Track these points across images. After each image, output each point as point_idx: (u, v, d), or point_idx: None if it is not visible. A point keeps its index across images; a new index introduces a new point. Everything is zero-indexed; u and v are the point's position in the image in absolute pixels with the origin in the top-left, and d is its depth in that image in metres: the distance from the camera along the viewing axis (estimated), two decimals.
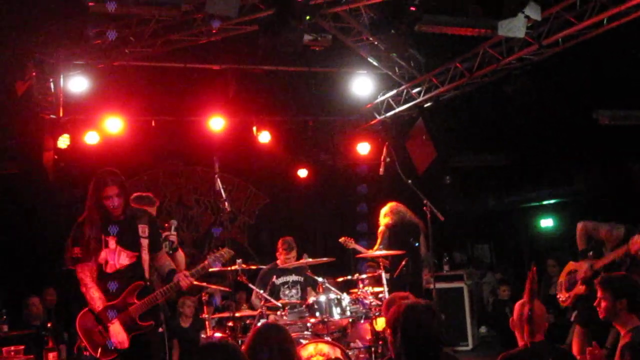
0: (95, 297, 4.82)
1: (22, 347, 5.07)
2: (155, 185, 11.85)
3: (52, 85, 7.98)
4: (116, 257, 4.91)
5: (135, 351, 4.84)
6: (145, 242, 5.02)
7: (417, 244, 8.27)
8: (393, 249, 7.70)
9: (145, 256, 5.01)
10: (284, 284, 7.64)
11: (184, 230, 11.84)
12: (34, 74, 7.60)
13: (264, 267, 7.73)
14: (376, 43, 8.68)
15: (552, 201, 12.67)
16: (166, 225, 5.94)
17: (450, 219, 7.71)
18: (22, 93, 7.13)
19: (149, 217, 5.18)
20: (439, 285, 8.65)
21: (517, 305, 4.11)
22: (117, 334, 4.76)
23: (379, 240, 8.21)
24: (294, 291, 7.63)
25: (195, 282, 7.58)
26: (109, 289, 4.86)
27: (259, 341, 3.59)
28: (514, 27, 6.49)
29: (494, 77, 8.54)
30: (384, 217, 8.28)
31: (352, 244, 8.27)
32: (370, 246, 8.37)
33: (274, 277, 7.38)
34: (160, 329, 5.09)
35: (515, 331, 4.11)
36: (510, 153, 11.57)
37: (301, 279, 7.65)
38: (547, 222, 12.88)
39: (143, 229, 5.03)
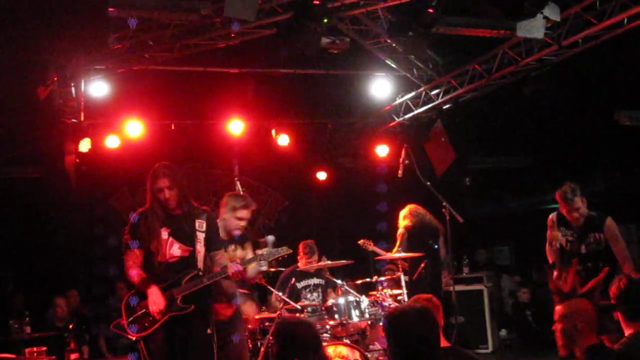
0: (134, 273, 4.89)
1: (44, 348, 5.13)
2: None
3: (73, 90, 8.07)
4: (167, 248, 4.95)
5: (170, 340, 4.81)
6: (201, 236, 5.02)
7: (436, 246, 8.24)
8: (412, 251, 7.68)
9: (201, 248, 5.00)
10: (305, 287, 7.64)
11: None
12: (55, 79, 7.69)
13: (283, 269, 7.75)
14: (394, 45, 8.68)
15: None
16: (261, 240, 5.89)
17: (469, 221, 7.69)
18: (44, 98, 7.23)
19: (208, 215, 5.16)
20: (459, 287, 8.65)
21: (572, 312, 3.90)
22: (154, 295, 4.76)
23: (398, 243, 8.20)
24: (315, 294, 7.63)
25: None
26: (157, 275, 4.91)
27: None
28: (533, 28, 6.47)
29: (513, 78, 8.50)
30: (403, 219, 8.27)
31: (371, 247, 8.26)
32: (389, 248, 8.36)
33: (294, 279, 7.39)
34: (209, 330, 4.92)
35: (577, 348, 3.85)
36: (529, 154, 11.52)
37: (322, 281, 7.66)
38: None
39: (200, 224, 5.03)
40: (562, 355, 3.85)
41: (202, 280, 4.88)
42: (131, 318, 4.83)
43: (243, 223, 5.72)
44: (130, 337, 4.83)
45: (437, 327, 3.35)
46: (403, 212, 8.32)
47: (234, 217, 5.71)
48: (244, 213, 5.73)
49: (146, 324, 4.79)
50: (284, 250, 5.33)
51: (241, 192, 6.32)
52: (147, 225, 4.98)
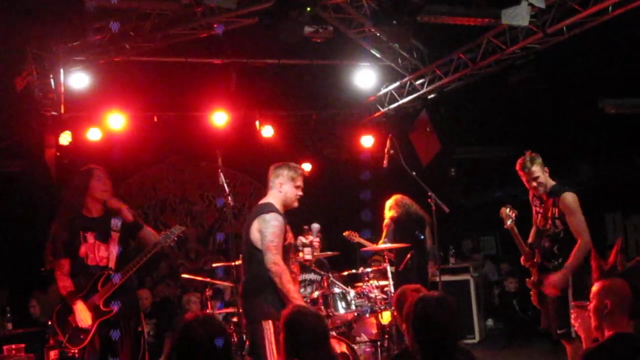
0: (62, 285, 5.12)
1: (23, 345, 5.06)
2: (159, 181, 11.84)
3: (52, 81, 7.93)
4: (96, 251, 5.19)
5: (104, 343, 5.06)
6: (115, 235, 5.25)
7: (422, 237, 8.19)
8: (398, 242, 7.63)
9: (113, 248, 5.22)
10: (302, 281, 7.56)
11: (188, 226, 11.81)
12: (34, 71, 7.55)
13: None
14: (378, 34, 8.61)
15: None
16: (305, 227, 5.75)
17: (455, 211, 7.64)
18: (21, 89, 7.08)
19: (135, 225, 5.39)
20: (445, 278, 8.63)
21: (606, 289, 3.69)
22: (79, 312, 5.00)
23: (384, 234, 8.15)
24: (309, 289, 7.53)
25: (200, 278, 7.65)
26: (86, 279, 5.14)
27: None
28: (518, 15, 6.40)
29: (498, 67, 8.45)
30: (389, 210, 8.21)
31: (357, 238, 8.20)
32: (374, 238, 8.31)
33: None
34: (139, 328, 5.27)
35: (604, 324, 3.65)
36: (515, 144, 11.47)
37: (318, 278, 7.50)
38: None
39: (116, 223, 5.26)
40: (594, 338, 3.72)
41: (113, 283, 5.11)
42: (67, 335, 5.06)
43: (300, 192, 5.42)
44: (70, 351, 5.07)
45: (455, 315, 3.39)
46: (389, 203, 8.26)
47: (293, 187, 5.36)
48: (301, 180, 5.44)
49: (81, 336, 5.05)
50: (178, 229, 5.51)
51: (225, 186, 6.19)
52: (73, 232, 5.18)
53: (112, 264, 5.21)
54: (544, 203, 5.87)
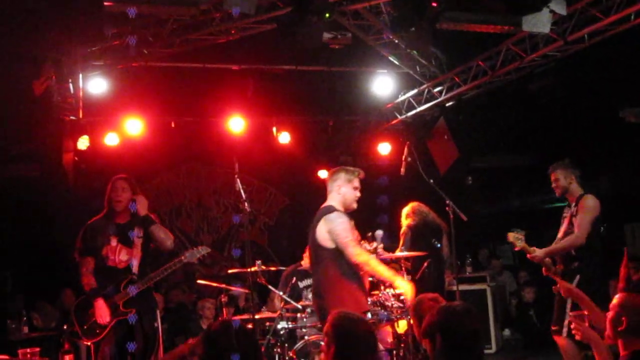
0: (86, 282, 5.50)
1: (38, 349, 5.09)
2: (175, 186, 11.85)
3: (71, 86, 7.96)
4: (117, 255, 5.58)
5: (121, 336, 5.39)
6: (138, 242, 5.61)
7: (439, 245, 8.12)
8: (415, 250, 7.56)
9: (137, 254, 5.59)
10: (307, 287, 7.54)
11: (204, 232, 11.81)
12: (53, 75, 7.58)
13: (284, 268, 7.65)
14: (397, 41, 8.57)
15: None
16: (369, 234, 5.85)
17: (473, 219, 7.55)
18: (40, 94, 7.11)
19: (148, 221, 5.68)
20: (462, 287, 8.52)
21: (624, 304, 3.52)
22: (100, 308, 5.36)
23: (401, 242, 8.08)
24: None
25: (215, 284, 7.62)
26: (107, 280, 5.50)
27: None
28: (539, 23, 6.31)
29: (518, 75, 8.38)
30: (406, 218, 8.15)
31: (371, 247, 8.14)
32: (391, 248, 8.24)
33: (294, 279, 7.31)
34: (155, 324, 5.58)
35: (619, 340, 3.51)
36: (534, 153, 11.38)
37: None
38: None
39: (139, 231, 5.61)
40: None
41: (130, 291, 5.44)
42: (85, 327, 5.44)
43: (358, 193, 5.62)
44: (85, 343, 5.49)
45: (480, 323, 3.36)
46: (406, 210, 8.20)
47: (351, 188, 5.58)
48: (358, 182, 5.64)
49: (97, 331, 5.39)
50: (204, 249, 5.87)
51: (242, 191, 6.17)
52: (99, 233, 5.59)
53: (135, 269, 5.58)
54: (571, 208, 6.08)
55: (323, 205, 5.58)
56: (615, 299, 3.64)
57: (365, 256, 5.23)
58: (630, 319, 3.43)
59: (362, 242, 5.75)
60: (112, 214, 5.68)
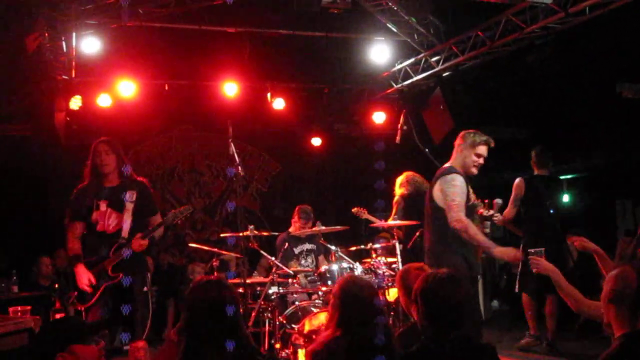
0: (70, 247, 5.55)
1: (29, 307, 5.09)
2: (167, 150, 11.78)
3: (64, 44, 7.83)
4: (107, 219, 5.54)
5: (113, 300, 5.42)
6: (130, 206, 5.55)
7: None
8: (408, 219, 7.56)
9: (127, 218, 5.53)
10: (300, 252, 7.60)
11: (195, 197, 11.77)
12: (45, 33, 7.46)
13: (276, 234, 7.67)
14: (395, 8, 8.45)
15: (569, 176, 12.47)
16: (486, 201, 5.84)
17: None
18: (32, 51, 6.99)
19: (141, 186, 5.70)
20: None
21: (617, 274, 3.27)
22: (79, 274, 5.39)
23: (393, 211, 8.07)
24: (309, 260, 7.59)
25: (207, 248, 7.62)
26: (97, 245, 5.50)
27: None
28: None
29: (517, 46, 8.29)
30: (400, 187, 8.13)
31: (365, 214, 8.16)
32: (387, 210, 8.24)
33: (287, 244, 7.34)
34: (145, 288, 5.59)
35: (610, 310, 3.26)
36: (530, 125, 11.34)
37: (314, 247, 7.60)
38: (564, 198, 12.69)
39: (131, 194, 5.56)
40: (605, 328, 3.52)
41: (121, 253, 5.39)
42: (76, 293, 5.46)
43: (481, 161, 5.64)
44: (78, 308, 5.51)
45: (466, 292, 3.42)
46: (399, 180, 8.18)
47: (473, 154, 5.61)
48: (483, 149, 5.64)
49: (88, 297, 5.42)
50: (187, 210, 5.76)
51: (235, 156, 6.12)
52: (88, 198, 5.55)
53: (125, 234, 5.52)
54: None
55: (445, 165, 5.68)
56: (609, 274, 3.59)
57: (462, 224, 5.21)
58: (616, 288, 3.24)
59: (480, 208, 5.75)
60: (101, 178, 5.62)
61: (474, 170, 5.63)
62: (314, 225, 7.49)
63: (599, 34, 7.85)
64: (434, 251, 5.52)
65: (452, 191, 5.33)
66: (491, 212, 5.77)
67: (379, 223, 7.75)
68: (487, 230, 5.69)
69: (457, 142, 5.72)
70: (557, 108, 9.88)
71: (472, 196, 5.60)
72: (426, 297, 3.41)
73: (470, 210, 5.46)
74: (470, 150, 5.59)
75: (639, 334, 3.14)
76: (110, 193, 5.58)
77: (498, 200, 5.90)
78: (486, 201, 5.80)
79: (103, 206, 5.55)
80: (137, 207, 5.60)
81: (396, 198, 8.12)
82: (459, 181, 5.39)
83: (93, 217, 5.54)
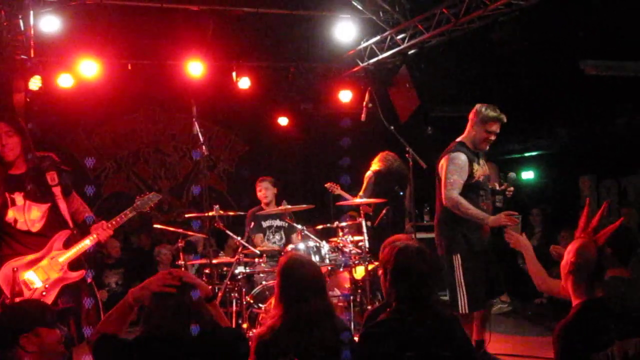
0: None
1: None
2: (132, 131, 11.62)
3: (21, 23, 7.63)
4: (26, 213, 4.59)
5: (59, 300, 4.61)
6: (57, 190, 4.69)
7: (402, 193, 8.16)
8: (377, 196, 7.58)
9: (63, 204, 4.71)
10: (269, 227, 7.61)
11: (161, 178, 11.65)
12: (1, 11, 7.27)
13: (242, 213, 7.65)
14: None
15: (533, 153, 12.61)
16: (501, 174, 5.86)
17: (430, 169, 7.57)
18: None
19: (52, 161, 4.78)
20: (420, 235, 8.61)
21: (578, 246, 3.44)
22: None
23: (364, 186, 8.13)
24: (277, 236, 7.59)
25: (172, 229, 7.55)
26: (25, 244, 4.60)
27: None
28: None
29: (481, 23, 8.29)
30: (375, 163, 8.21)
31: (338, 190, 8.19)
32: (353, 187, 8.27)
33: (254, 220, 7.39)
34: (89, 280, 4.76)
35: (568, 280, 3.45)
36: (494, 103, 11.41)
37: (285, 224, 7.60)
38: (528, 175, 12.84)
39: (52, 177, 4.68)
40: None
41: (85, 245, 4.65)
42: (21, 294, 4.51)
43: (492, 137, 5.62)
44: None
45: (434, 267, 3.45)
46: (376, 158, 8.25)
47: (483, 130, 5.60)
48: (495, 126, 5.60)
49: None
50: (156, 197, 5.11)
51: (199, 135, 6.05)
52: None
53: (71, 224, 4.75)
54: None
55: (458, 139, 5.74)
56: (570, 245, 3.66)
57: (452, 201, 5.38)
58: (576, 260, 3.42)
59: (496, 182, 5.87)
60: (5, 166, 4.57)
61: (485, 146, 5.70)
62: (278, 201, 7.50)
63: (562, 11, 7.89)
64: (438, 223, 5.80)
65: (451, 169, 5.45)
66: (505, 185, 5.85)
67: (349, 199, 7.76)
68: (499, 205, 5.81)
69: (470, 116, 5.75)
70: (521, 85, 9.95)
71: (481, 171, 5.65)
72: (395, 269, 3.44)
73: (474, 186, 5.54)
74: (481, 126, 5.62)
75: (594, 302, 3.34)
76: (25, 179, 4.60)
77: (511, 174, 5.98)
78: (501, 174, 5.90)
79: (19, 199, 4.57)
80: (64, 188, 4.75)
81: (368, 173, 8.17)
82: (460, 159, 5.48)
83: (9, 217, 4.57)
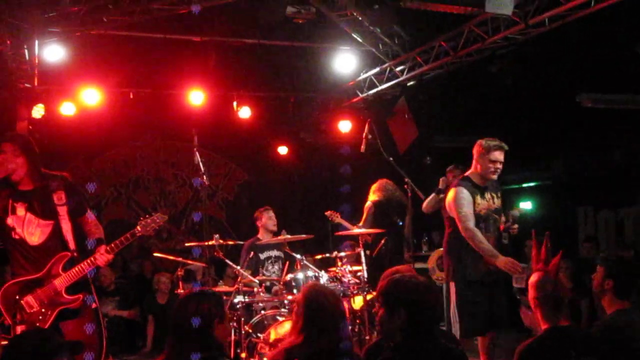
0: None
1: None
2: (133, 159, 11.70)
3: (26, 52, 7.74)
4: (24, 225, 4.53)
5: (61, 326, 4.51)
6: (63, 210, 4.56)
7: (401, 223, 8.20)
8: (376, 226, 7.62)
9: (66, 225, 4.58)
10: (267, 258, 7.60)
11: (161, 206, 11.70)
12: (8, 40, 7.37)
13: (241, 242, 7.66)
14: (360, 18, 8.53)
15: (531, 184, 12.68)
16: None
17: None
18: None
19: (65, 182, 4.67)
20: (418, 265, 8.63)
21: (537, 281, 3.75)
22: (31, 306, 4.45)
23: (364, 216, 8.16)
24: (276, 266, 7.59)
25: (172, 258, 7.56)
26: (22, 254, 4.54)
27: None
28: (502, 5, 6.39)
29: (479, 56, 8.43)
30: (373, 193, 8.25)
31: (338, 219, 8.21)
32: (354, 216, 8.31)
33: (252, 252, 7.34)
34: (94, 305, 4.67)
35: (537, 312, 3.72)
36: (491, 135, 11.51)
37: (282, 254, 7.60)
38: (525, 205, 12.90)
39: (59, 196, 4.56)
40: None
41: (83, 268, 4.53)
42: (17, 318, 4.36)
43: (498, 166, 5.76)
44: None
45: (441, 298, 3.49)
46: (374, 187, 8.30)
47: (488, 160, 5.73)
48: (498, 154, 5.73)
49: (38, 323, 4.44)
50: (160, 218, 4.85)
51: (200, 164, 6.11)
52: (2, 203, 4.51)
53: (72, 245, 4.61)
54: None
55: (465, 173, 5.95)
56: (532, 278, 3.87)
57: (469, 233, 5.53)
58: (537, 295, 3.71)
59: (501, 224, 5.96)
60: (13, 184, 4.55)
61: (493, 176, 5.80)
62: (278, 230, 7.52)
63: (558, 45, 8.03)
64: (443, 252, 6.06)
65: (459, 203, 5.64)
66: (508, 224, 5.93)
67: (350, 228, 7.79)
68: (505, 242, 5.90)
69: (474, 150, 5.88)
70: (519, 117, 10.06)
71: (486, 205, 5.78)
72: (410, 303, 3.33)
73: (484, 218, 5.70)
74: (485, 157, 5.75)
75: (557, 329, 3.61)
76: (32, 195, 4.54)
77: (514, 212, 6.07)
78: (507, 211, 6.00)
79: (21, 210, 4.51)
80: (70, 208, 4.61)
81: (367, 204, 8.20)
82: (463, 193, 5.67)
83: (8, 222, 4.52)
